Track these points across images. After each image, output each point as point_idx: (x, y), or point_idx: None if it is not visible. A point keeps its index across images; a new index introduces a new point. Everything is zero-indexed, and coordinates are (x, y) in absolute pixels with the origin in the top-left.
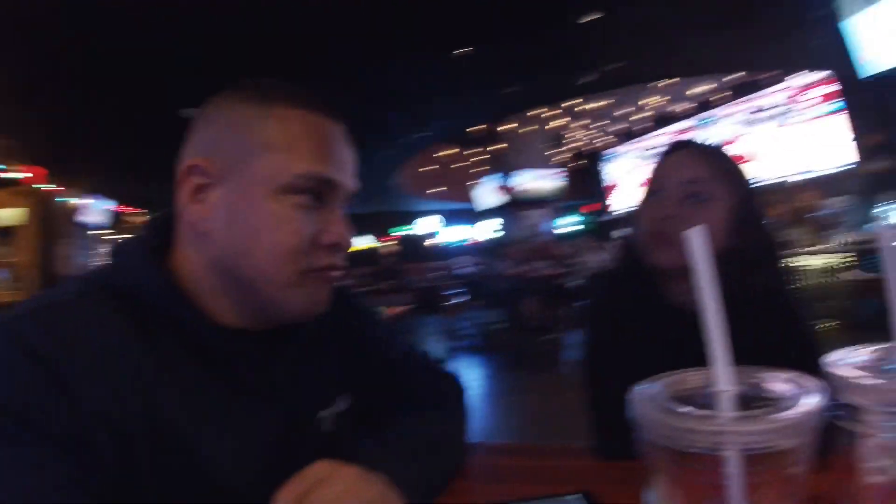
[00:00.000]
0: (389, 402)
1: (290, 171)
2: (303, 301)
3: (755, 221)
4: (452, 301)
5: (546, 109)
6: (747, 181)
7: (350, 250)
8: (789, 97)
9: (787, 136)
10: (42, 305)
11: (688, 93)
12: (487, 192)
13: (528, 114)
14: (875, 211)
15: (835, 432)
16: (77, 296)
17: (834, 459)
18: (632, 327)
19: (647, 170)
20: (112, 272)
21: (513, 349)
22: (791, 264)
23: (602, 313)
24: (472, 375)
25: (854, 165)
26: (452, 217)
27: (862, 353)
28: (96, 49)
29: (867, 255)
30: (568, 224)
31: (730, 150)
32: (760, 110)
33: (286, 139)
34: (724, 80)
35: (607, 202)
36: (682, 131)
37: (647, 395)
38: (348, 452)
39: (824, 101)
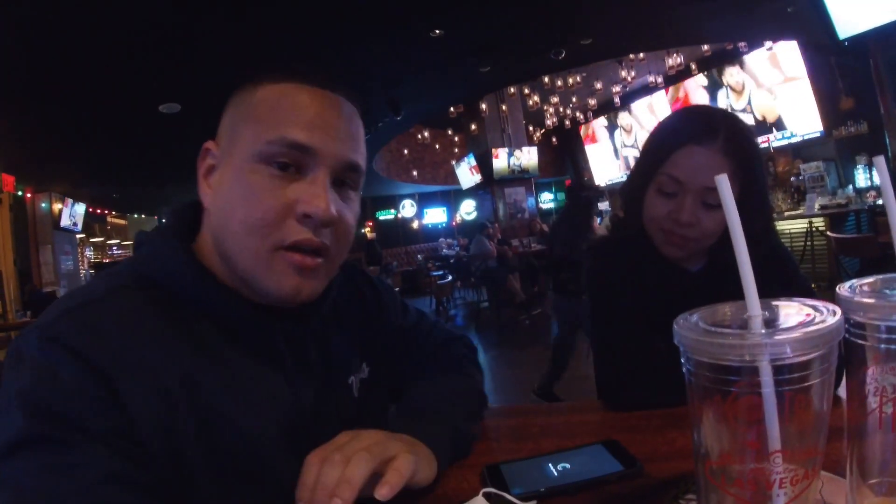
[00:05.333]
0: (407, 366)
1: (262, 138)
2: (275, 283)
3: (762, 199)
4: (438, 282)
5: (519, 87)
6: (762, 168)
7: (333, 225)
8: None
9: (767, 102)
10: (76, 305)
11: (668, 63)
12: (465, 173)
13: (502, 92)
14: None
15: (848, 352)
16: (109, 291)
17: (848, 394)
18: (633, 289)
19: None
20: (139, 263)
21: (500, 327)
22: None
23: (603, 280)
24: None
25: (825, 131)
26: (431, 199)
27: (866, 283)
28: (62, 52)
29: (843, 217)
30: (548, 200)
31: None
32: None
33: (266, 109)
34: (698, 50)
35: (585, 177)
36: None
37: (688, 323)
38: (373, 417)
39: (795, 67)
